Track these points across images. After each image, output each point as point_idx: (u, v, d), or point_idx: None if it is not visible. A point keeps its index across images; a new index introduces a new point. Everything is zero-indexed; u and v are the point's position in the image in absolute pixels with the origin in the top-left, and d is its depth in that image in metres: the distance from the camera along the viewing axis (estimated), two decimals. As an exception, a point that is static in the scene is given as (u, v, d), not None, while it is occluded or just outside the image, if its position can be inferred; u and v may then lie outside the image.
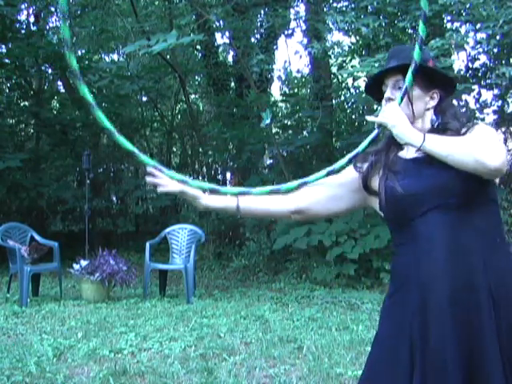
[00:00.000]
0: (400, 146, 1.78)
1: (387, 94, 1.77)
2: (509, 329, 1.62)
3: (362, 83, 10.40)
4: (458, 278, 1.62)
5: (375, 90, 1.86)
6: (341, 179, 1.84)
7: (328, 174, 1.80)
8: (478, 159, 1.56)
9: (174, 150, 13.48)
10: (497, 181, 1.74)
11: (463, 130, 1.72)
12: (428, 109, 1.77)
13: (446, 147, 1.61)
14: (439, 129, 1.74)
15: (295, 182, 1.81)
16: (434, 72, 1.79)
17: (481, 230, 1.67)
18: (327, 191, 1.84)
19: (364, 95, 8.12)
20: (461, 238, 1.65)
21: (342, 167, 1.82)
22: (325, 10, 8.30)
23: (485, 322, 1.60)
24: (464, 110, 1.84)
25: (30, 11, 11.94)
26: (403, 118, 1.68)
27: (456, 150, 1.60)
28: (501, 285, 1.64)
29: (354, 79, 9.92)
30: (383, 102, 1.79)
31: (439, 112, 1.77)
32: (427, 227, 1.66)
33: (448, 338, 1.60)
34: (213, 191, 1.79)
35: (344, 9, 7.58)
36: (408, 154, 1.76)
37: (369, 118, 1.77)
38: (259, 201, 1.83)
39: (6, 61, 10.44)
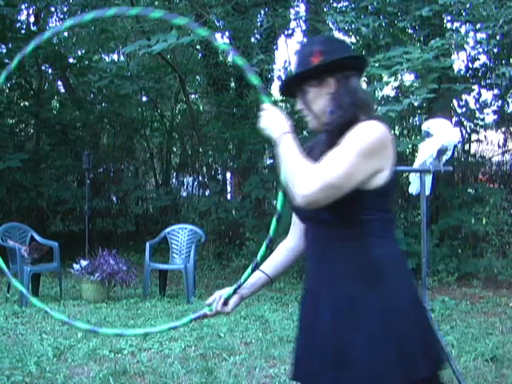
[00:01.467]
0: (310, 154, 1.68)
1: (298, 106, 1.73)
2: (340, 339, 1.56)
3: (362, 83, 10.39)
4: (317, 288, 1.65)
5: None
6: None
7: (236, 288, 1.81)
8: (292, 184, 1.51)
9: (174, 149, 13.45)
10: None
11: (343, 127, 1.58)
12: (327, 101, 1.67)
13: (285, 160, 1.54)
14: (328, 130, 1.65)
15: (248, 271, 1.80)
16: (321, 67, 1.65)
17: (347, 246, 1.60)
18: None
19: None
20: (325, 252, 1.63)
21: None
22: (325, 9, 8.30)
23: (321, 328, 1.60)
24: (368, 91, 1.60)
25: (30, 11, 11.93)
26: (272, 118, 1.62)
27: (288, 167, 1.53)
28: (346, 300, 1.58)
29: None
30: (298, 104, 1.74)
31: (332, 101, 1.65)
32: (305, 238, 1.74)
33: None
34: (238, 288, 1.82)
35: (344, 9, 7.59)
36: None
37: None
38: (280, 261, 1.89)
39: (6, 61, 10.43)
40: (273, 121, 1.62)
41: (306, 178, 1.47)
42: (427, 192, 3.08)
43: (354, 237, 1.60)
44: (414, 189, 3.22)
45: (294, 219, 1.87)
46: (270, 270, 1.85)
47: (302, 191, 1.47)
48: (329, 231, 1.62)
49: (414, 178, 3.24)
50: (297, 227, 1.87)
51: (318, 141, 1.75)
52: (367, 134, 1.54)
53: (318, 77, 1.66)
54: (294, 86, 1.72)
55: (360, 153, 1.50)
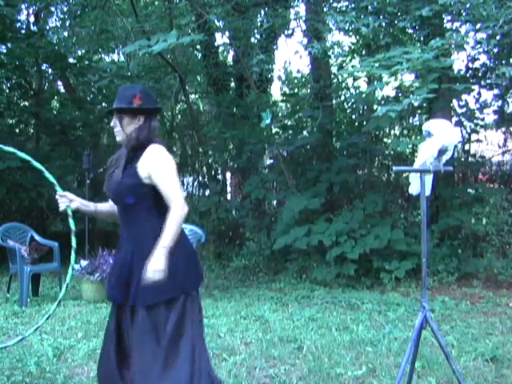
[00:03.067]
0: (122, 156, 2.86)
1: (112, 123, 2.82)
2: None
3: (362, 83, 10.40)
4: (126, 241, 2.82)
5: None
6: None
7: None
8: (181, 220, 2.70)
9: (174, 149, 13.45)
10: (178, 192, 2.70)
11: (137, 147, 2.75)
12: (136, 128, 2.77)
13: (174, 234, 2.62)
14: (131, 145, 2.78)
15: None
16: (140, 109, 2.77)
17: (138, 218, 2.76)
18: None
19: (364, 95, 8.12)
20: (129, 223, 2.79)
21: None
22: (325, 10, 8.29)
23: (127, 262, 2.77)
24: (152, 130, 2.88)
25: (30, 11, 11.93)
26: (157, 265, 2.56)
27: (175, 228, 2.63)
28: (138, 250, 2.70)
29: (354, 79, 9.90)
30: (112, 122, 2.81)
31: (138, 130, 2.77)
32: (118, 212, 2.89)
33: None
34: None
35: (344, 9, 7.58)
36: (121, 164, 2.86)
37: None
38: (105, 209, 3.10)
39: (6, 61, 10.43)
40: (158, 263, 2.57)
41: (180, 213, 2.65)
42: (428, 192, 3.07)
43: (142, 213, 2.75)
44: (414, 189, 3.21)
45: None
46: (99, 207, 3.12)
47: (184, 210, 2.67)
48: (130, 209, 2.77)
49: (414, 179, 3.22)
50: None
51: (121, 151, 2.88)
52: (168, 159, 2.72)
53: (134, 112, 2.77)
54: (116, 111, 2.79)
55: (174, 171, 2.72)
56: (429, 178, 3.11)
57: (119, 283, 2.77)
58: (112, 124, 2.82)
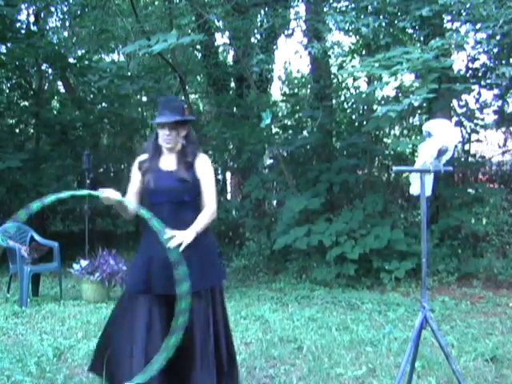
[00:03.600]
0: (159, 159, 3.21)
1: (166, 132, 3.15)
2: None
3: (362, 83, 10.40)
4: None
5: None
6: (138, 185, 3.23)
7: None
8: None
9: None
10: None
11: (195, 153, 3.22)
12: (183, 136, 3.20)
13: (204, 226, 3.09)
14: (184, 151, 3.20)
15: None
16: (188, 120, 3.25)
17: (187, 215, 3.11)
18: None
19: (364, 95, 8.12)
20: (178, 218, 3.06)
21: None
22: (325, 10, 8.29)
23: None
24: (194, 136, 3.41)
25: (30, 11, 11.93)
26: (186, 237, 2.96)
27: (206, 221, 3.13)
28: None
29: (354, 79, 9.90)
30: (165, 131, 3.14)
31: (187, 137, 3.23)
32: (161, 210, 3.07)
33: None
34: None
35: (344, 9, 7.58)
36: (163, 166, 3.19)
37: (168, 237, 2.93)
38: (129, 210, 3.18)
39: (6, 61, 10.43)
40: (188, 236, 2.98)
41: (214, 215, 3.19)
42: (428, 193, 3.07)
43: (193, 208, 3.15)
44: (415, 190, 3.19)
45: (132, 199, 3.21)
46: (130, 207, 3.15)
47: (215, 214, 3.20)
48: (183, 207, 3.12)
49: (414, 179, 3.21)
50: (133, 200, 3.21)
51: (152, 154, 3.22)
52: (211, 167, 3.26)
53: (184, 124, 3.20)
54: (174, 123, 3.14)
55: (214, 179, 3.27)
56: (429, 179, 3.10)
57: (164, 276, 3.00)
58: (168, 133, 3.13)
